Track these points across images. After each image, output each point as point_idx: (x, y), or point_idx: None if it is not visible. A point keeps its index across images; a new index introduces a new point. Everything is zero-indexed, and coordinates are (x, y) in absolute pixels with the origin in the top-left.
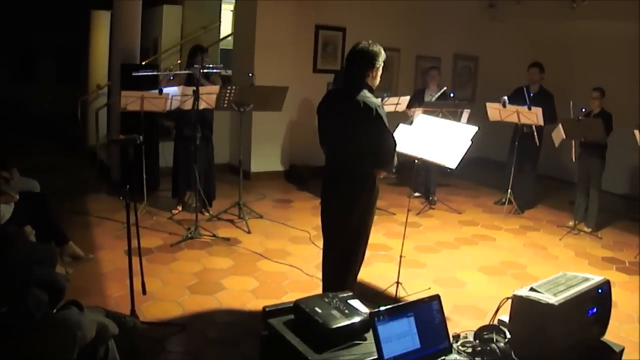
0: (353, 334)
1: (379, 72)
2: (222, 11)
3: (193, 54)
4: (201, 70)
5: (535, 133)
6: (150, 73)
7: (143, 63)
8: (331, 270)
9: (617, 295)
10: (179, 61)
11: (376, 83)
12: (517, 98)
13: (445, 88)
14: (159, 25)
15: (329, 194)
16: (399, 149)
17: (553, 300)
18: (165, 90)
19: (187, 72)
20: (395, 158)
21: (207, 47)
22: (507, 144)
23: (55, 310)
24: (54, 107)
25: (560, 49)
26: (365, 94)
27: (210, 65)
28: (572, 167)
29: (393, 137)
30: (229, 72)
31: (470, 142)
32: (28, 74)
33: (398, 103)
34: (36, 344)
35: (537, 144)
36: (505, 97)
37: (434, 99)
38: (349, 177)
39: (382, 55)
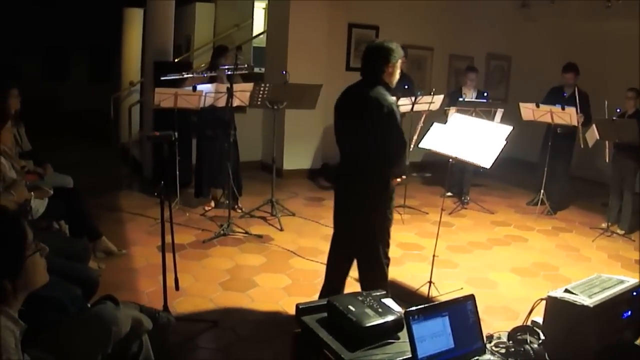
0: (386, 333)
1: (397, 70)
2: (255, 9)
3: (217, 54)
4: (227, 71)
5: (580, 128)
6: (176, 77)
7: (176, 60)
8: (361, 272)
9: None
10: None
11: (394, 80)
12: (553, 99)
13: (485, 93)
14: (191, 22)
15: (342, 194)
16: (433, 147)
17: (588, 302)
18: (199, 87)
19: (212, 74)
20: (405, 160)
21: (240, 44)
22: (539, 144)
23: (90, 305)
24: (87, 104)
25: (595, 48)
26: (380, 90)
27: (228, 67)
28: (605, 168)
29: (403, 138)
30: (262, 69)
31: (505, 142)
32: (61, 71)
33: (432, 102)
34: (71, 338)
35: (577, 141)
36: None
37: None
38: (360, 176)
39: (398, 52)
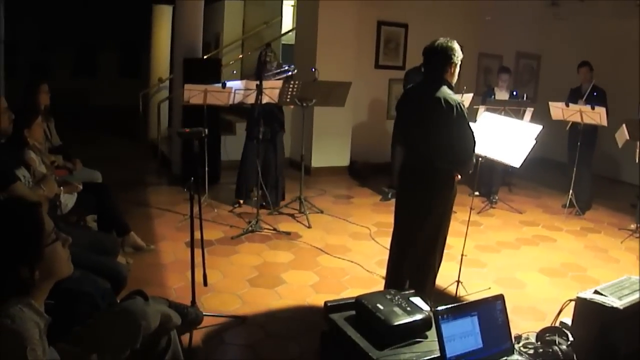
0: (415, 332)
1: (457, 69)
2: (283, 6)
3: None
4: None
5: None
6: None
7: (205, 57)
8: (410, 270)
9: None
10: (240, 56)
11: (454, 80)
12: (573, 100)
13: (515, 92)
14: (220, 20)
15: (407, 192)
16: None
17: (618, 304)
18: (229, 84)
19: (257, 83)
20: (473, 158)
21: (269, 42)
22: (565, 143)
23: (119, 300)
24: (116, 100)
25: (625, 48)
26: (446, 90)
27: (274, 72)
28: (635, 168)
29: (473, 137)
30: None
31: (535, 141)
32: (91, 67)
33: (461, 100)
34: (101, 332)
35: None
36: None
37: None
38: (427, 175)
39: (459, 52)
